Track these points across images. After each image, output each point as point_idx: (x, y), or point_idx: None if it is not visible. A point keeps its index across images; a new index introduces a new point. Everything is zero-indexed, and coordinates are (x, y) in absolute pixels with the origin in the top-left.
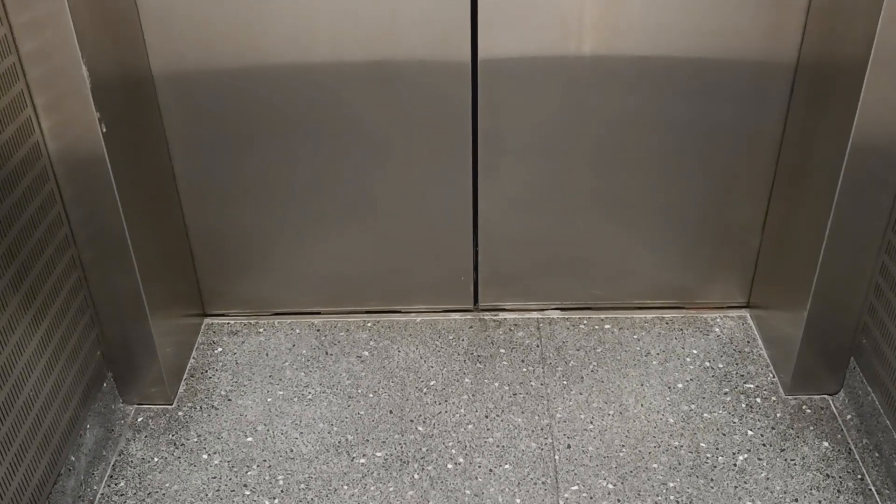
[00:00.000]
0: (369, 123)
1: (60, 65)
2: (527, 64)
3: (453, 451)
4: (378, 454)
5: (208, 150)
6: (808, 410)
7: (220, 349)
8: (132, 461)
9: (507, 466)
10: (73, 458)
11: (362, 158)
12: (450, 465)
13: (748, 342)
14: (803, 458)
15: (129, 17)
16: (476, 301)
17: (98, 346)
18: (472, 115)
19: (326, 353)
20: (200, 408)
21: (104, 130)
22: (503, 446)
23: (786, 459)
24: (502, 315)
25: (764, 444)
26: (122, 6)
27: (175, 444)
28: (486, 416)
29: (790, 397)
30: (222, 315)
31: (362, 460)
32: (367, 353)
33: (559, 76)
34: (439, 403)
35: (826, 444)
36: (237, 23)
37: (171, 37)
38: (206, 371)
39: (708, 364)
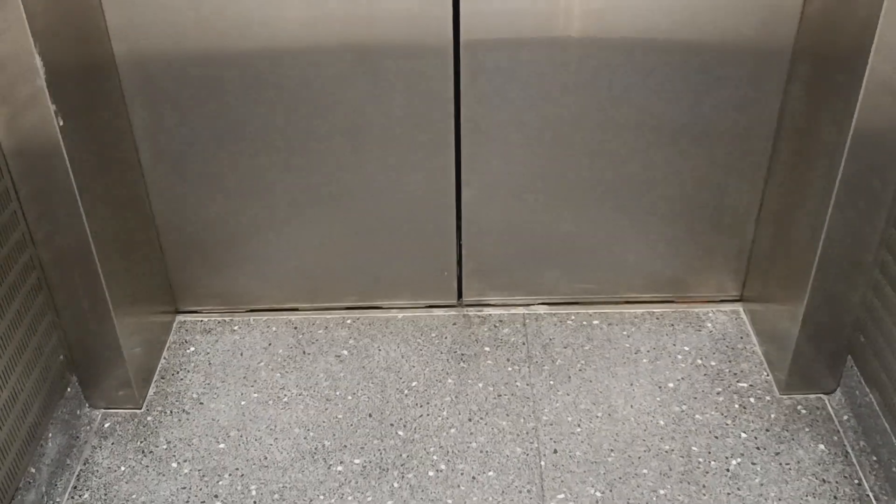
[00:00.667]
0: (345, 109)
1: (11, 52)
2: (511, 46)
3: (435, 457)
4: (356, 461)
5: (176, 140)
6: (804, 411)
7: (192, 348)
8: (98, 470)
9: (490, 473)
10: (33, 470)
11: (339, 146)
12: (431, 473)
13: (741, 338)
14: (798, 462)
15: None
16: (460, 296)
17: (61, 349)
18: (454, 101)
19: (304, 353)
20: (171, 412)
21: (61, 123)
22: (487, 452)
23: (780, 464)
24: (487, 310)
25: (758, 448)
26: None
27: (143, 451)
28: (470, 420)
29: (785, 397)
30: (196, 312)
31: (339, 468)
32: (346, 352)
33: (546, 59)
34: (421, 406)
35: (822, 446)
36: (205, 4)
37: (134, 20)
38: (178, 372)
39: (700, 362)
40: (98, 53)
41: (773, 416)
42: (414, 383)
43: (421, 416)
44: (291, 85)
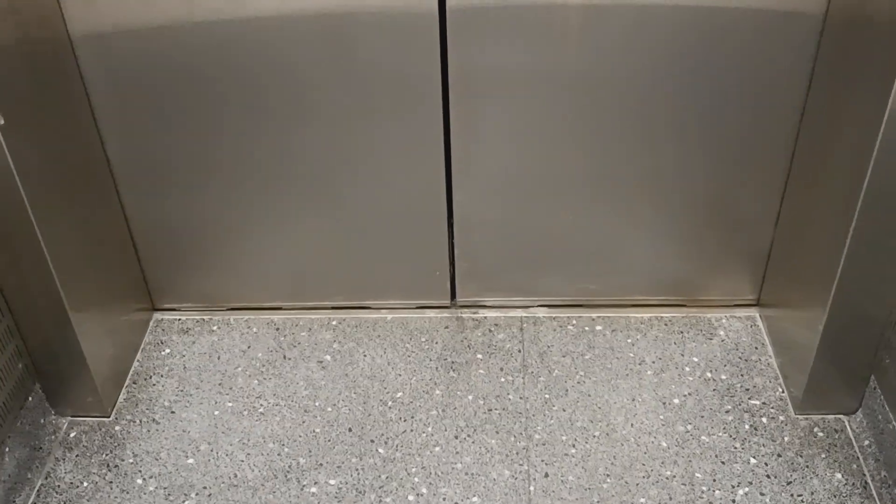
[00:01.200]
0: (320, 89)
1: None
2: (505, 15)
3: (416, 479)
4: (331, 482)
5: (144, 126)
6: (821, 434)
7: (167, 350)
8: (59, 486)
9: (475, 499)
10: None
11: (317, 132)
12: (411, 497)
13: (756, 348)
14: (812, 493)
15: None
16: (454, 296)
17: (19, 358)
18: (441, 80)
19: (284, 357)
20: (140, 421)
21: (1, 122)
22: (472, 474)
23: (792, 495)
24: (482, 313)
25: (768, 476)
26: None
27: (108, 465)
28: (456, 437)
29: (800, 417)
30: (174, 310)
31: (313, 489)
32: (329, 357)
33: (543, 30)
34: (404, 420)
35: (839, 475)
36: None
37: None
38: (151, 377)
39: (709, 375)
40: (50, 33)
41: (786, 439)
42: (399, 394)
43: (404, 431)
44: (261, 62)
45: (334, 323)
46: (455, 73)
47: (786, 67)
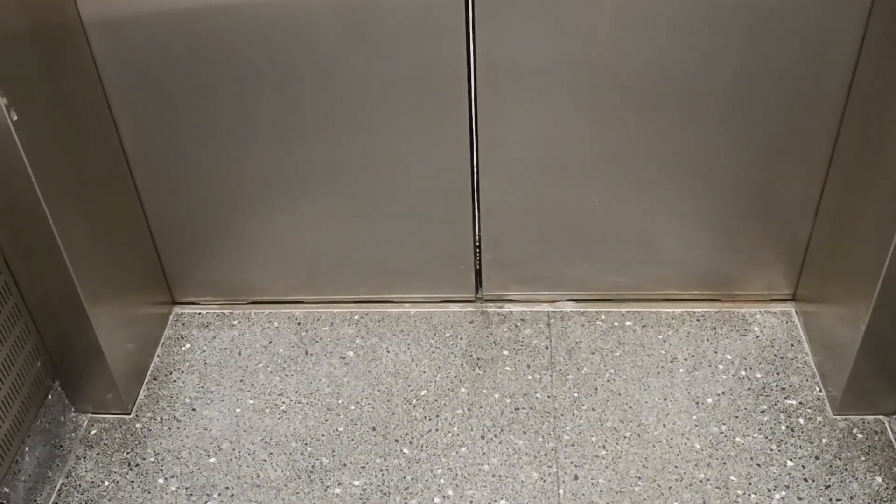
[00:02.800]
0: (341, 76)
1: None
2: None
3: (442, 480)
4: (356, 483)
5: (160, 114)
6: (860, 435)
7: (187, 345)
8: (80, 485)
9: (502, 502)
10: (6, 490)
11: (339, 121)
12: (437, 499)
13: (792, 345)
14: (851, 497)
15: None
16: (478, 289)
17: (37, 356)
18: (467, 61)
19: (306, 353)
20: (161, 419)
21: (15, 119)
22: (500, 476)
23: (830, 499)
24: (508, 307)
25: (805, 479)
26: None
27: (129, 464)
28: (483, 437)
29: (839, 417)
30: (194, 303)
31: (337, 490)
32: (351, 353)
33: (578, 10)
34: (429, 419)
35: (879, 479)
36: None
37: None
38: (171, 373)
39: (744, 373)
40: (61, 19)
41: (824, 440)
42: (423, 392)
43: (429, 431)
44: (284, 50)
45: (356, 317)
46: (482, 59)
47: (830, 48)
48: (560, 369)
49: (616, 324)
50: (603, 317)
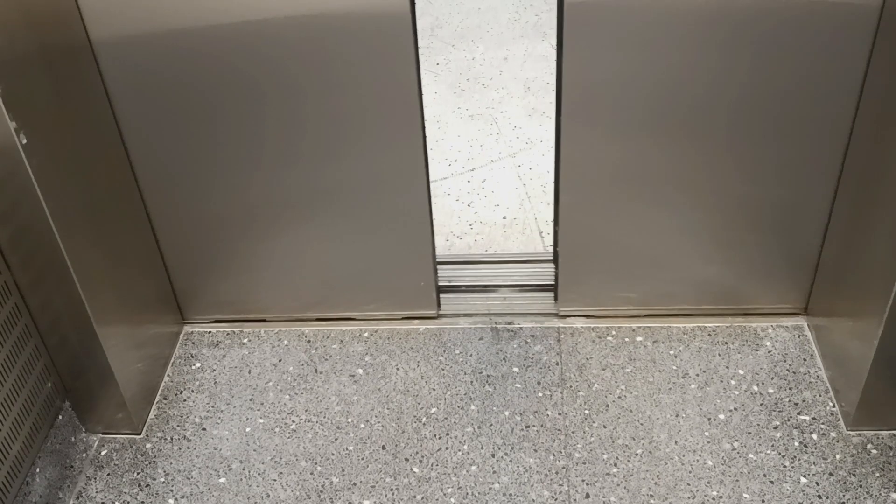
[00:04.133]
0: (325, 95)
1: None
2: (618, 16)
3: (452, 500)
4: (365, 503)
5: (169, 133)
6: (875, 451)
7: (197, 364)
8: None
9: None
10: None
11: (340, 138)
12: None
13: (804, 360)
14: None
15: None
16: (439, 306)
17: (48, 377)
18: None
19: (316, 371)
20: (171, 438)
21: (24, 142)
22: (510, 494)
23: None
24: (518, 322)
25: (819, 496)
26: None
27: (140, 484)
28: (493, 455)
29: (852, 433)
30: (203, 322)
31: None
32: (361, 370)
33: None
34: (439, 437)
35: (895, 495)
36: None
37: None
38: (181, 392)
39: (756, 388)
40: (70, 41)
41: (838, 456)
42: (433, 410)
43: (439, 449)
44: (285, 64)
45: (366, 335)
46: (570, 75)
47: (838, 63)
48: (570, 386)
49: (627, 339)
50: (613, 332)
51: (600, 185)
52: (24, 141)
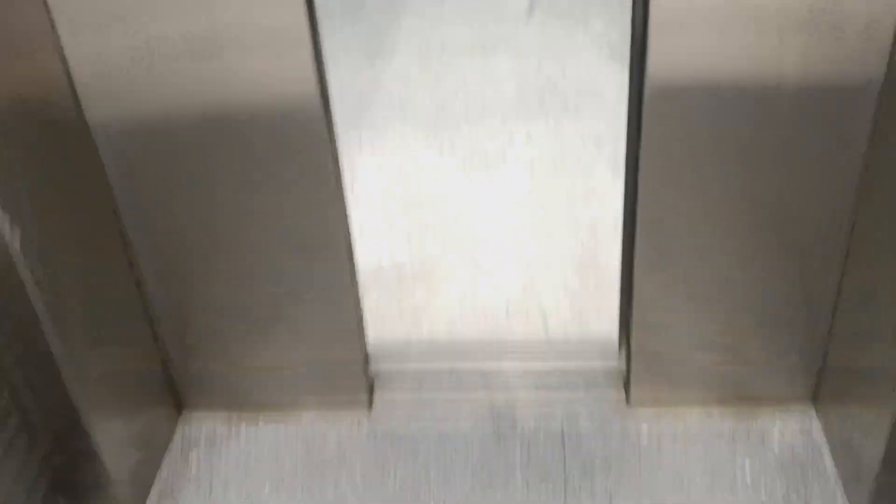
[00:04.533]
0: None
1: None
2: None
3: None
4: None
5: (168, 219)
6: None
7: (193, 463)
8: None
9: None
10: None
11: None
12: None
13: (813, 452)
14: None
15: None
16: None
17: (43, 473)
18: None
19: (315, 470)
20: None
21: (17, 236)
22: None
23: None
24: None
25: None
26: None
27: None
28: None
29: None
30: (202, 410)
31: None
32: (360, 471)
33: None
34: None
35: None
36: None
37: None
38: (174, 490)
39: (763, 484)
40: (64, 124)
41: None
42: None
43: None
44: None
45: (364, 433)
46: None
47: (840, 131)
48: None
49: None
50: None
51: None
52: (17, 233)
